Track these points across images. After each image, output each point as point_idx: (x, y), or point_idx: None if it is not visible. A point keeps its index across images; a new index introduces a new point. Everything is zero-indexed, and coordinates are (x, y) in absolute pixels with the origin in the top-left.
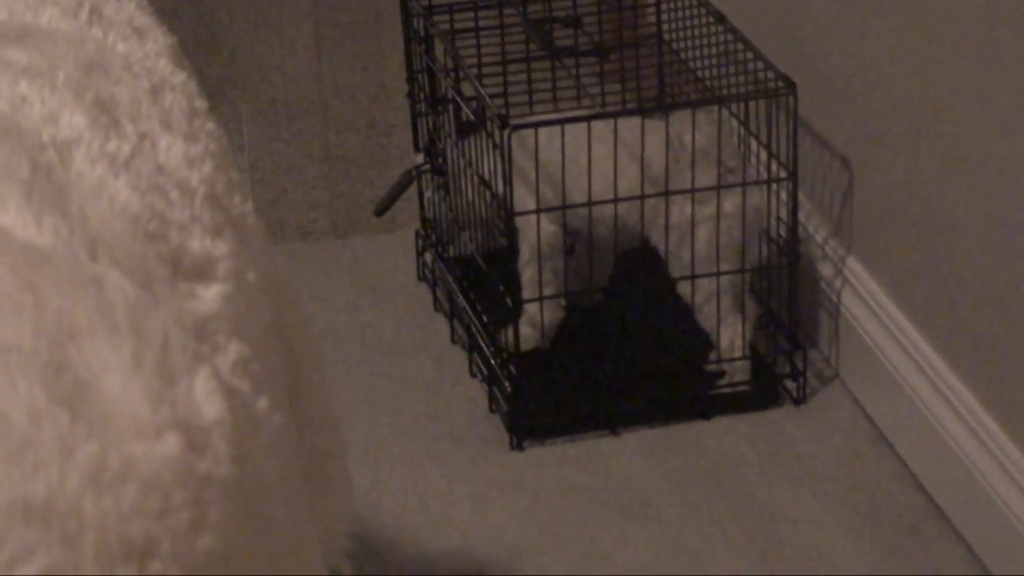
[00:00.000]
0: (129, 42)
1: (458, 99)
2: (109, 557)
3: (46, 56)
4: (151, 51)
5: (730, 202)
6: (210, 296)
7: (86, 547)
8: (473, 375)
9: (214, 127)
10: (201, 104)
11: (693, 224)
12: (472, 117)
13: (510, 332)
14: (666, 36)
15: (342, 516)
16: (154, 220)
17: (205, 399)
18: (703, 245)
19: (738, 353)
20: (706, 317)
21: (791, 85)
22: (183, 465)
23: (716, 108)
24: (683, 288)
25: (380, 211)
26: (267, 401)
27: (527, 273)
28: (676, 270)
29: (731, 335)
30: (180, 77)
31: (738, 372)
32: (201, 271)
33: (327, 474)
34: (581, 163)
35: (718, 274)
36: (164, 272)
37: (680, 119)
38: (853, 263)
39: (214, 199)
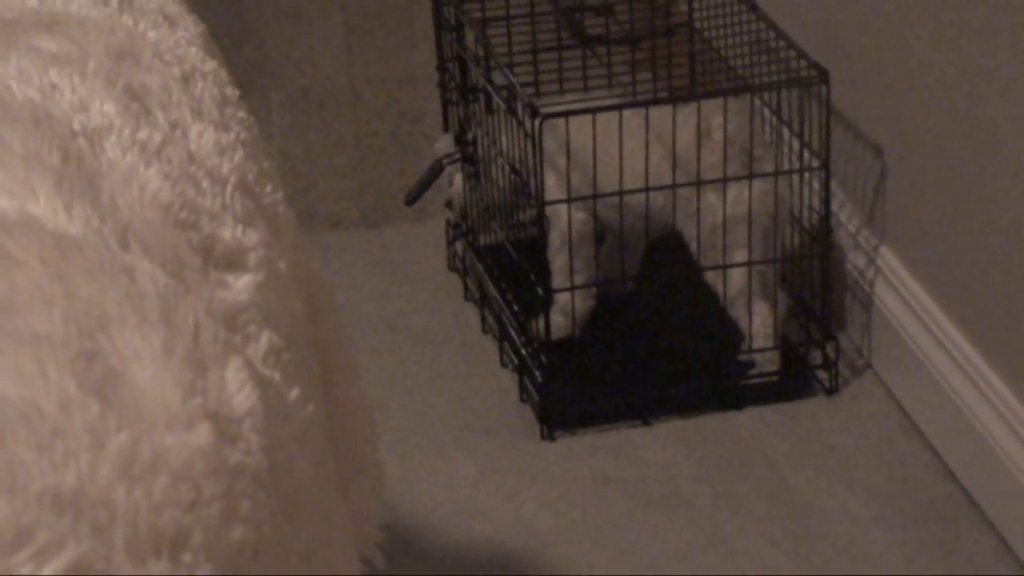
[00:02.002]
0: (160, 30)
1: (489, 88)
2: (140, 549)
3: (76, 44)
4: (182, 39)
5: (759, 191)
6: (241, 285)
7: (117, 538)
8: (504, 365)
9: (245, 115)
10: (232, 92)
11: (725, 214)
12: (503, 106)
13: (541, 321)
14: (697, 24)
15: (374, 507)
16: (185, 209)
17: (237, 389)
18: (732, 235)
19: (768, 343)
20: (735, 307)
21: (824, 73)
22: (214, 456)
23: (748, 97)
24: (711, 278)
25: (410, 201)
26: (299, 391)
27: (557, 262)
28: (706, 259)
29: (760, 325)
30: (211, 65)
31: (768, 362)
32: (232, 260)
33: (359, 464)
34: (612, 152)
35: (750, 264)
36: (195, 261)
37: (710, 108)
38: (886, 252)
39: (245, 188)
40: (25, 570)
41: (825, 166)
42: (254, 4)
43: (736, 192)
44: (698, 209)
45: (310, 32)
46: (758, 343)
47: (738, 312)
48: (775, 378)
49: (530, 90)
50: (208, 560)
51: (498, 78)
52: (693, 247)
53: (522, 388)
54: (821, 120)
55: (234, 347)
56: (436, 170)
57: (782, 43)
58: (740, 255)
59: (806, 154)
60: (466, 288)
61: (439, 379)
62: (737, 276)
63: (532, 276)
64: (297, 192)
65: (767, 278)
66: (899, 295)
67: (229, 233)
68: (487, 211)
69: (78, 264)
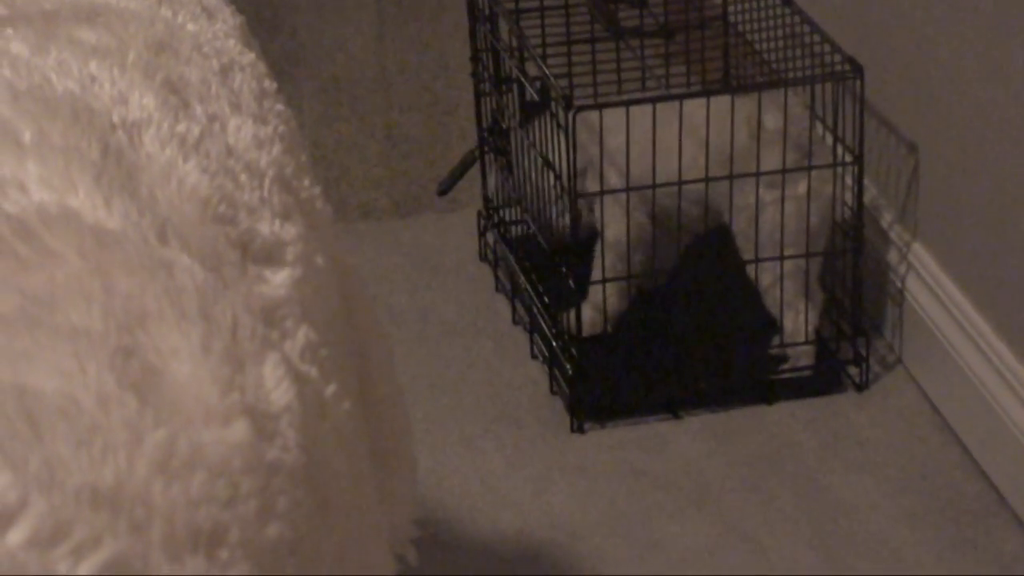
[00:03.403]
0: (199, 22)
1: (522, 79)
2: (177, 545)
3: (116, 36)
4: (220, 31)
5: (799, 186)
6: (279, 280)
7: (154, 535)
8: (534, 357)
9: (283, 108)
10: (270, 85)
11: (758, 207)
12: (536, 97)
13: (572, 315)
14: (732, 18)
15: (408, 503)
16: (223, 203)
17: (274, 385)
18: (770, 228)
19: (802, 338)
20: (773, 301)
21: (858, 68)
22: (252, 452)
23: (783, 91)
24: (752, 271)
25: (443, 191)
26: (336, 387)
27: (605, 259)
28: (746, 252)
29: (795, 319)
30: (249, 57)
31: (802, 357)
32: (270, 255)
33: (394, 461)
34: (669, 145)
35: (781, 258)
36: (233, 256)
37: (747, 101)
38: (918, 249)
39: (283, 182)
40: (62, 566)
41: (859, 161)
42: None
43: (774, 186)
44: (731, 201)
45: (343, 21)
46: (791, 338)
47: (775, 306)
48: (808, 372)
49: (563, 82)
50: (245, 557)
51: (531, 69)
52: (739, 240)
53: (552, 380)
54: (855, 115)
55: (271, 343)
56: (470, 160)
57: (816, 37)
58: (776, 249)
59: (840, 149)
60: (497, 279)
61: (469, 370)
62: (773, 269)
63: (564, 269)
64: (328, 182)
65: (803, 273)
66: (931, 291)
67: (267, 227)
68: (520, 203)
69: (117, 258)
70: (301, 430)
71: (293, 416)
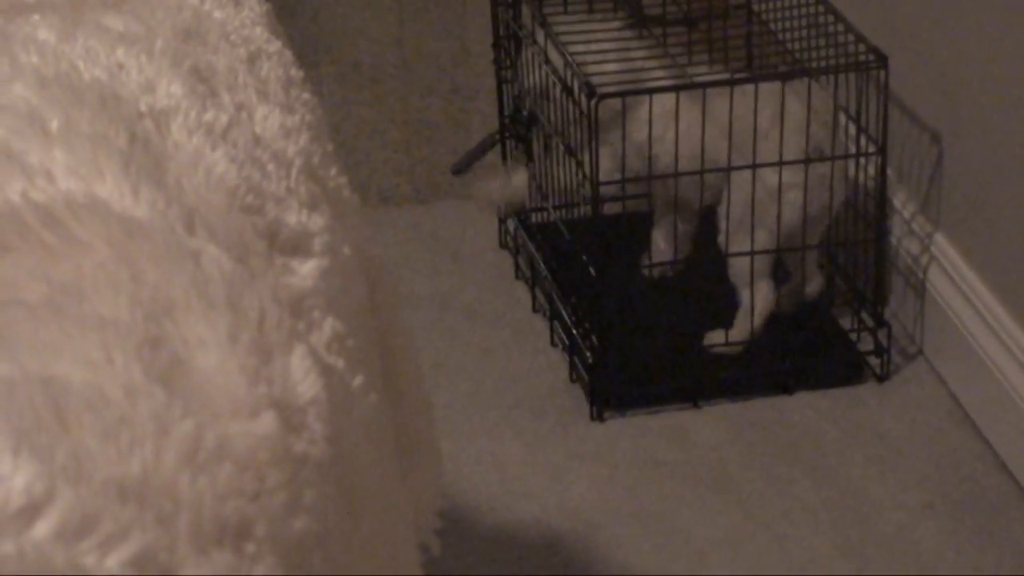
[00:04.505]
0: (226, 9)
1: (545, 66)
2: (203, 538)
3: (143, 23)
4: (247, 18)
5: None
6: (306, 271)
7: (181, 528)
8: (554, 344)
9: (310, 97)
10: (297, 74)
11: (754, 195)
12: (560, 84)
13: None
14: (755, 6)
15: (432, 494)
16: (251, 193)
17: (301, 377)
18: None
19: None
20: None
21: (882, 58)
22: (279, 445)
23: (807, 80)
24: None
25: (458, 170)
26: (362, 379)
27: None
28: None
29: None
30: (276, 46)
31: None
32: (297, 245)
33: (418, 452)
34: (695, 132)
35: (752, 253)
36: (260, 246)
37: (763, 92)
38: (940, 239)
39: (310, 171)
40: (89, 559)
41: (882, 151)
42: None
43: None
44: (728, 194)
45: (363, 6)
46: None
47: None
48: (739, 348)
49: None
50: (271, 551)
51: (554, 57)
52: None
53: (572, 368)
54: (878, 105)
55: (298, 334)
56: (488, 143)
57: (840, 26)
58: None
59: (862, 139)
60: (517, 266)
61: (488, 358)
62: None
63: (584, 256)
64: (348, 167)
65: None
66: (952, 282)
67: (294, 217)
68: (540, 190)
69: (144, 248)
70: (328, 423)
71: (320, 408)
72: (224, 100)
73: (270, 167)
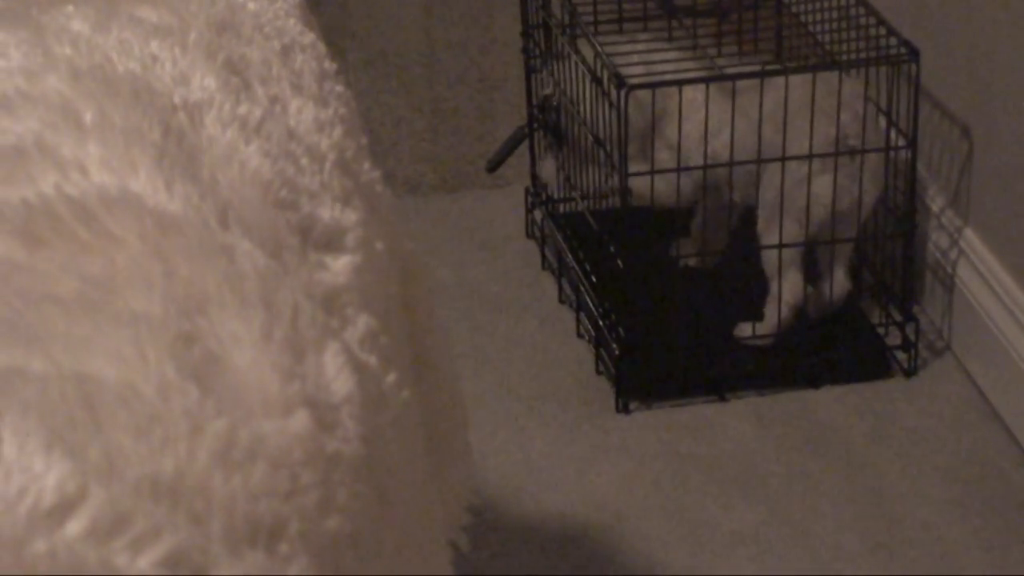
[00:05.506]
0: (259, 1)
1: (574, 56)
2: (236, 538)
3: (177, 15)
4: (281, 10)
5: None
6: (339, 267)
7: (214, 527)
8: (580, 336)
9: (343, 90)
10: (330, 66)
11: (783, 187)
12: (589, 74)
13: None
14: None
15: (462, 490)
16: (284, 187)
17: (335, 375)
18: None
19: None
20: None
21: (914, 52)
22: (312, 443)
23: (836, 73)
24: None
25: (492, 167)
26: (395, 376)
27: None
28: (767, 235)
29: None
30: (309, 38)
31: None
32: (331, 241)
33: (449, 449)
34: (700, 127)
35: (780, 246)
36: (294, 242)
37: (792, 84)
38: (969, 234)
39: (344, 166)
40: (121, 558)
41: (912, 145)
42: None
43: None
44: (758, 185)
45: None
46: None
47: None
48: (769, 341)
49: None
50: (304, 550)
51: (583, 46)
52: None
53: (598, 360)
54: (909, 98)
55: (332, 331)
56: (519, 136)
57: (872, 19)
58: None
59: (893, 132)
60: (544, 257)
61: (514, 348)
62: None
63: (612, 248)
64: (376, 156)
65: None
66: (981, 277)
67: (328, 213)
68: (568, 180)
69: (178, 243)
70: (361, 421)
71: (353, 406)
72: (258, 93)
73: (304, 161)
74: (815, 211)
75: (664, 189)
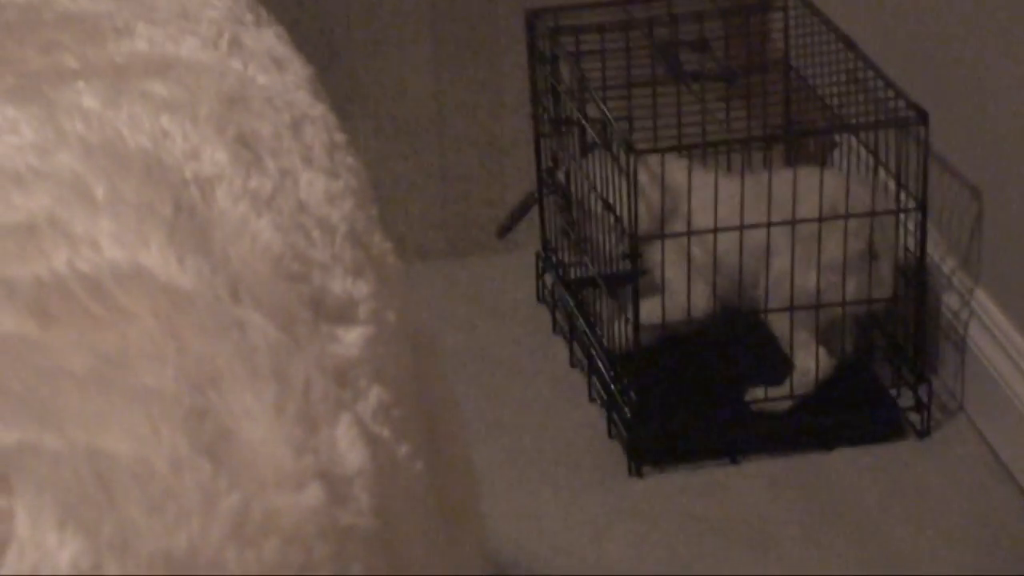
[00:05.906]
0: (269, 74)
1: (583, 121)
2: None
3: (188, 89)
4: (290, 83)
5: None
6: (352, 339)
7: None
8: (592, 400)
9: (353, 161)
10: (340, 138)
11: (794, 258)
12: (596, 140)
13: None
14: (794, 62)
15: (476, 562)
16: (296, 260)
17: (348, 447)
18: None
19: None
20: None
21: (923, 114)
22: (325, 517)
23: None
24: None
25: (502, 233)
26: (408, 448)
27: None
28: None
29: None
30: (319, 110)
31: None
32: (343, 313)
33: (463, 519)
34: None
35: (792, 308)
36: (306, 315)
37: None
38: (980, 295)
39: (355, 237)
40: None
41: (922, 207)
42: (343, 30)
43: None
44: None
45: (399, 59)
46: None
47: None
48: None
49: (624, 125)
50: None
51: (592, 112)
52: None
53: (610, 424)
54: (918, 160)
55: (344, 403)
56: (529, 202)
57: (880, 82)
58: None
59: (902, 195)
60: (555, 321)
61: (526, 413)
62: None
63: (625, 316)
64: (384, 221)
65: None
66: (994, 338)
67: (339, 285)
68: (579, 244)
69: (190, 318)
70: (374, 493)
71: (366, 479)
72: (269, 166)
73: (315, 233)
74: (826, 315)
75: (674, 308)
